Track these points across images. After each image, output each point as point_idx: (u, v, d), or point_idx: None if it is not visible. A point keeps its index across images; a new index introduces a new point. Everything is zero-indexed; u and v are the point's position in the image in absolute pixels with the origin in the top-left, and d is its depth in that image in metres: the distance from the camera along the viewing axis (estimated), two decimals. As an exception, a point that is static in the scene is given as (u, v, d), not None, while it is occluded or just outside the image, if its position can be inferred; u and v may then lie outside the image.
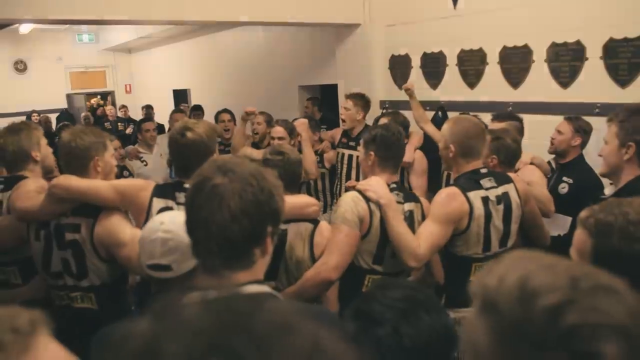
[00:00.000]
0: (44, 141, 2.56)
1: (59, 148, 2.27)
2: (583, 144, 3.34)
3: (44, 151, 2.54)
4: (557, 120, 3.52)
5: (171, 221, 1.52)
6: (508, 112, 3.74)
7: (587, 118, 3.44)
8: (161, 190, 2.18)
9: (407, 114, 5.07)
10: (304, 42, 7.05)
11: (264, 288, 1.17)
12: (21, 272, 2.43)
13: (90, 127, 2.65)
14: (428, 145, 4.34)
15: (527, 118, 4.15)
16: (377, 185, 2.29)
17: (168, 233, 1.50)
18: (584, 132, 3.32)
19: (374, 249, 2.32)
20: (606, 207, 1.33)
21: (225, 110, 5.16)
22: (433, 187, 3.54)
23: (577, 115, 3.43)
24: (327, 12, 5.20)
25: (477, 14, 4.49)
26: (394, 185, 2.39)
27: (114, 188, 2.15)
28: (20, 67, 12.81)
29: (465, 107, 4.44)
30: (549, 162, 3.54)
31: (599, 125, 3.01)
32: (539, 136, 3.66)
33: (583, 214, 1.35)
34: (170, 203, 2.12)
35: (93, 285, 2.19)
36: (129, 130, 9.20)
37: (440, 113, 4.76)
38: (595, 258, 1.27)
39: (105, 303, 2.20)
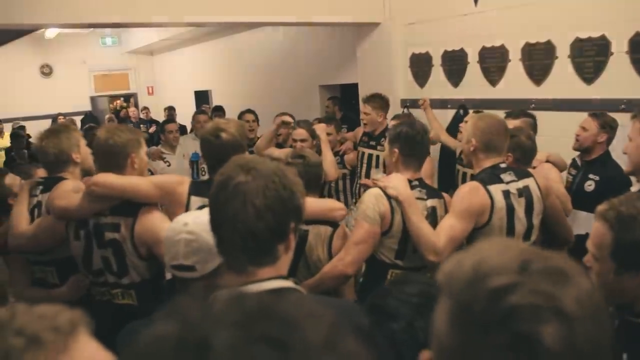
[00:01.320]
0: (83, 142, 2.58)
1: (94, 146, 2.29)
2: (609, 141, 3.30)
3: (83, 153, 2.56)
4: (582, 117, 3.47)
5: (195, 222, 1.54)
6: (521, 110, 3.71)
7: (612, 114, 3.38)
8: (198, 188, 2.21)
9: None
10: (324, 42, 7.06)
11: (288, 283, 1.20)
12: (58, 272, 2.47)
13: (124, 124, 2.69)
14: (445, 148, 4.34)
15: (550, 115, 4.09)
16: (397, 182, 2.32)
17: (191, 234, 1.52)
18: (610, 128, 3.28)
19: (396, 244, 2.34)
20: (627, 201, 1.33)
21: (249, 111, 5.18)
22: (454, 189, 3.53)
23: (602, 112, 3.39)
24: (348, 12, 5.20)
25: (498, 11, 4.45)
26: (417, 182, 2.41)
27: (152, 184, 2.19)
28: (46, 71, 13.06)
29: (487, 105, 4.40)
30: (574, 160, 3.50)
31: (625, 121, 2.95)
32: (563, 133, 3.61)
33: (601, 207, 1.35)
34: (207, 201, 2.15)
35: (133, 282, 2.23)
36: (152, 130, 9.34)
37: (461, 111, 4.73)
38: (615, 251, 1.30)
39: (145, 299, 2.23)
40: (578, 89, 3.93)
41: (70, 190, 2.29)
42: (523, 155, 2.80)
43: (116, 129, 2.31)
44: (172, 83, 13.03)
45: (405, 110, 5.31)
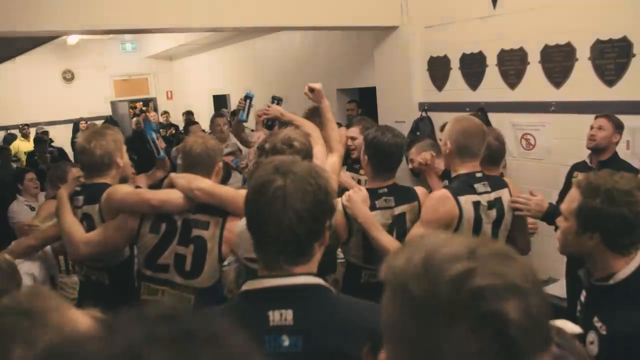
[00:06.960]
0: (125, 148, 2.50)
1: (184, 152, 2.26)
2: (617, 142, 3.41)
3: (125, 159, 2.48)
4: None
5: None
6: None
7: (635, 117, 3.37)
8: None
9: (446, 116, 5.03)
10: (342, 46, 7.08)
11: (317, 280, 1.23)
12: (110, 276, 2.42)
13: (205, 133, 2.69)
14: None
15: (570, 118, 4.06)
16: (356, 201, 2.34)
17: None
18: (621, 129, 3.40)
19: (361, 251, 2.41)
20: (599, 174, 1.61)
21: None
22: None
23: (610, 113, 3.44)
24: (365, 15, 5.21)
25: (517, 13, 4.43)
26: (385, 190, 2.43)
27: None
28: (68, 76, 13.27)
29: (506, 108, 4.38)
30: (583, 162, 3.54)
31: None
32: (584, 136, 3.58)
33: (580, 177, 1.59)
34: None
35: (199, 286, 2.18)
36: (171, 131, 9.51)
37: (480, 115, 4.71)
38: (579, 212, 1.56)
39: (201, 304, 2.15)
40: (599, 91, 3.90)
41: (135, 190, 2.31)
42: (489, 156, 2.66)
43: (207, 136, 2.30)
44: (190, 87, 13.16)
45: (424, 114, 5.31)
